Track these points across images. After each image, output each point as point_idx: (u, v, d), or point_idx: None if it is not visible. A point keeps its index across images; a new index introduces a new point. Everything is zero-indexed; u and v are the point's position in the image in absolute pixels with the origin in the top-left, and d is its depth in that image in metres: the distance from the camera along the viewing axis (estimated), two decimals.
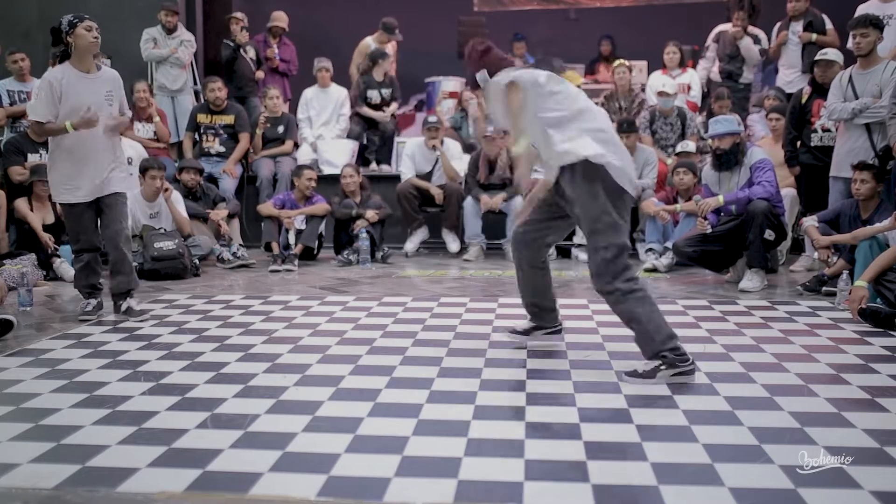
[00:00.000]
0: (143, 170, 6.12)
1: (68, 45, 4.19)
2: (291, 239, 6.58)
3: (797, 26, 7.12)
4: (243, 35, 8.06)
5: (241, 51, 8.10)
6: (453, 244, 7.02)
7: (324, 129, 8.14)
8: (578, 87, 7.77)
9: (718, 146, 5.24)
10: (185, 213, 6.28)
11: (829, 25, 7.01)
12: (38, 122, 4.19)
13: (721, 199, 5.20)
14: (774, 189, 5.15)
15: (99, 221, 4.42)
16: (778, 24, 7.35)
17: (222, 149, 7.53)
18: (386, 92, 8.07)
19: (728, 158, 5.22)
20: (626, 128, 6.52)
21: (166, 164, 7.17)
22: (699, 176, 5.87)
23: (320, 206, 6.67)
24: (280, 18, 8.53)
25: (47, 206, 6.09)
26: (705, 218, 5.24)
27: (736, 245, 5.25)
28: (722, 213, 5.34)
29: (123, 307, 4.43)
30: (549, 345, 3.65)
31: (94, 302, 4.42)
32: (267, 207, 6.69)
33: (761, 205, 5.03)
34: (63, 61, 4.25)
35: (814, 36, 6.92)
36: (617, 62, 7.92)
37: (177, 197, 6.26)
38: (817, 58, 5.75)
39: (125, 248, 4.39)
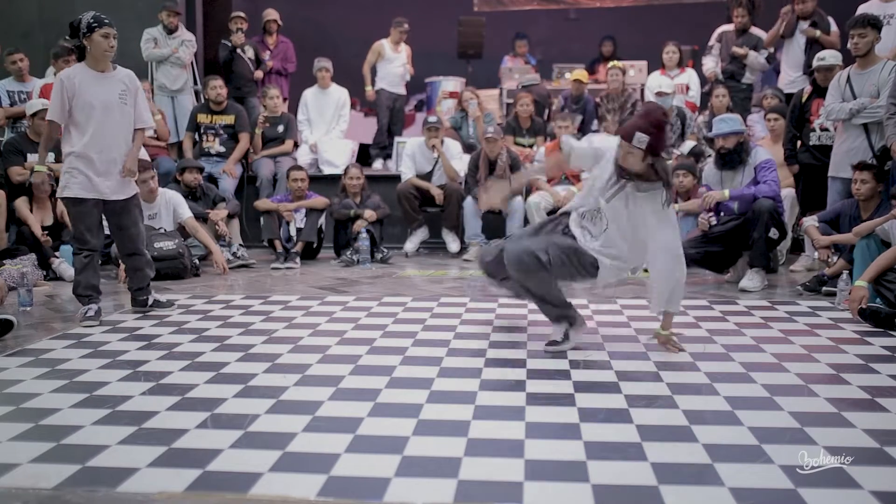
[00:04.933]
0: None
1: (83, 46, 4.20)
2: (293, 231, 6.60)
3: (803, 26, 7.11)
4: (238, 37, 8.07)
5: (239, 51, 8.11)
6: (453, 244, 7.03)
7: (324, 129, 8.16)
8: (583, 82, 7.84)
9: (723, 145, 5.23)
10: (214, 244, 6.21)
11: (833, 27, 7.01)
12: (51, 121, 4.22)
13: (727, 193, 5.18)
14: (778, 189, 5.17)
15: (112, 224, 4.44)
16: (783, 21, 7.34)
17: (222, 149, 7.53)
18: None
19: (732, 157, 5.21)
20: None
21: (166, 164, 7.19)
22: (699, 177, 5.86)
23: (319, 199, 6.69)
24: (271, 14, 8.54)
25: (47, 207, 6.09)
26: (709, 210, 5.22)
27: (737, 245, 5.25)
28: (721, 213, 5.34)
29: (150, 301, 4.53)
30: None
31: (94, 307, 4.29)
32: (264, 202, 6.73)
33: (767, 203, 5.03)
34: (81, 58, 4.27)
35: (818, 32, 6.91)
36: (611, 64, 7.94)
37: (178, 198, 6.25)
38: (815, 65, 5.74)
39: (145, 249, 4.58)
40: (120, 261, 4.73)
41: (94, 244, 4.33)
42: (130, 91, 4.35)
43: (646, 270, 5.81)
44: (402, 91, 8.66)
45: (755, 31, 7.66)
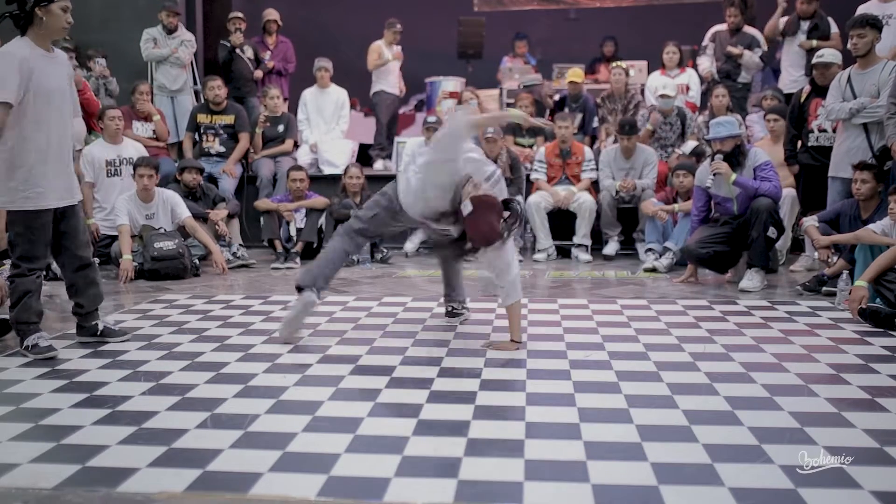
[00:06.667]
0: (134, 167, 6.12)
1: (32, 16, 3.45)
2: (293, 231, 6.61)
3: (805, 25, 7.11)
4: (237, 37, 8.07)
5: (238, 51, 8.11)
6: None
7: (324, 129, 8.15)
8: (577, 83, 7.75)
9: (720, 149, 5.23)
10: (214, 244, 6.17)
11: (834, 29, 7.01)
12: (4, 102, 3.38)
13: (734, 176, 5.15)
14: (780, 189, 5.18)
15: (59, 232, 3.67)
16: (785, 19, 7.33)
17: (222, 149, 7.53)
18: None
19: (729, 161, 5.21)
20: (627, 130, 6.52)
21: (166, 164, 7.17)
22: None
23: (319, 199, 6.69)
24: (271, 14, 8.54)
25: None
26: (714, 175, 5.21)
27: (739, 245, 5.25)
28: (717, 213, 5.34)
29: (100, 327, 3.84)
30: (549, 341, 3.66)
31: (46, 335, 3.68)
32: (265, 202, 6.74)
33: (765, 202, 5.04)
34: (22, 27, 3.49)
35: (814, 42, 6.92)
36: (614, 64, 7.93)
37: (176, 198, 6.24)
38: (814, 61, 5.74)
39: (93, 260, 3.89)
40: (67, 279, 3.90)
41: (45, 262, 3.67)
42: (71, 76, 3.75)
43: (649, 270, 5.91)
44: (398, 93, 8.66)
45: (748, 30, 7.66)
